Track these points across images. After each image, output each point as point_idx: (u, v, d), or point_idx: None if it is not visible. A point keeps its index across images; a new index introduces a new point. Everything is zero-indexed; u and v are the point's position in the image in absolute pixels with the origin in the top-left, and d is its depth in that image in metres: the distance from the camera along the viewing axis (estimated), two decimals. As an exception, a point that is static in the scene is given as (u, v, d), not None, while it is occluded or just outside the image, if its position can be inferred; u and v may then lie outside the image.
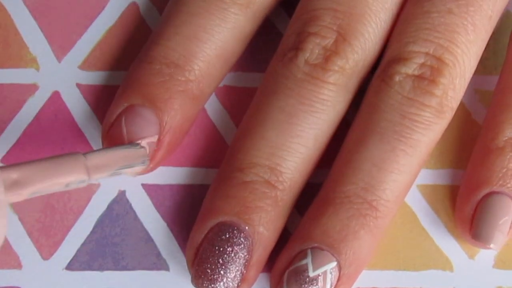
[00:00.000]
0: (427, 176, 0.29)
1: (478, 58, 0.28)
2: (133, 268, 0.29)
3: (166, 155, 0.28)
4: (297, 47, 0.27)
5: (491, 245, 0.27)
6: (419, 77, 0.26)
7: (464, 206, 0.28)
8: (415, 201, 0.29)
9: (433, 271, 0.29)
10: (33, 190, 0.23)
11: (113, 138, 0.27)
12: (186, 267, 0.28)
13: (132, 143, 0.26)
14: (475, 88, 0.30)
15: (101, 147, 0.30)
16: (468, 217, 0.27)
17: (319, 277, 0.26)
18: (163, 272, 0.29)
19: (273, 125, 0.27)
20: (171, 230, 0.29)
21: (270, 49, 0.31)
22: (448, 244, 0.29)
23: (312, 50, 0.27)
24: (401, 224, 0.29)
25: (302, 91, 0.27)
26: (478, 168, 0.28)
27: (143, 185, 0.29)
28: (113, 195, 0.29)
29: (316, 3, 0.27)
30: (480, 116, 0.30)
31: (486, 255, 0.29)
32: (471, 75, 0.27)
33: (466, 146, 0.30)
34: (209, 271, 0.26)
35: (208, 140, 0.30)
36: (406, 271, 0.29)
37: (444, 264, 0.29)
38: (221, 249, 0.26)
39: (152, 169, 0.28)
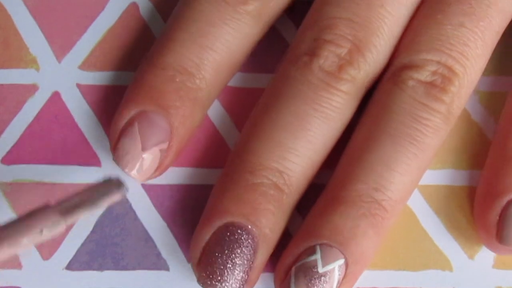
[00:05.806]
0: (427, 177, 0.29)
1: (482, 71, 0.28)
2: (133, 268, 0.29)
3: (173, 161, 0.28)
4: (312, 53, 0.27)
5: None
6: (431, 84, 0.27)
7: (487, 212, 0.28)
8: (415, 201, 0.29)
9: (432, 271, 0.29)
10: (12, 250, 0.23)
11: (126, 143, 0.27)
12: (186, 267, 0.28)
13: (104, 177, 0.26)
14: (474, 89, 0.30)
15: (101, 147, 0.30)
16: (493, 222, 0.27)
17: (328, 273, 0.26)
18: (163, 272, 0.29)
19: (284, 128, 0.27)
20: (171, 230, 0.29)
21: (270, 49, 0.31)
22: (448, 244, 0.29)
23: (327, 57, 0.27)
24: (401, 224, 0.29)
25: (315, 97, 0.27)
26: (501, 174, 0.28)
27: (143, 185, 0.29)
28: (113, 195, 0.29)
29: (332, 11, 0.28)
30: (480, 117, 0.30)
31: (486, 255, 0.29)
32: (474, 87, 0.28)
33: (466, 147, 0.30)
34: (217, 271, 0.26)
35: (208, 141, 0.30)
36: (405, 271, 0.29)
37: (444, 264, 0.29)
38: (229, 249, 0.26)
39: (158, 175, 0.28)
